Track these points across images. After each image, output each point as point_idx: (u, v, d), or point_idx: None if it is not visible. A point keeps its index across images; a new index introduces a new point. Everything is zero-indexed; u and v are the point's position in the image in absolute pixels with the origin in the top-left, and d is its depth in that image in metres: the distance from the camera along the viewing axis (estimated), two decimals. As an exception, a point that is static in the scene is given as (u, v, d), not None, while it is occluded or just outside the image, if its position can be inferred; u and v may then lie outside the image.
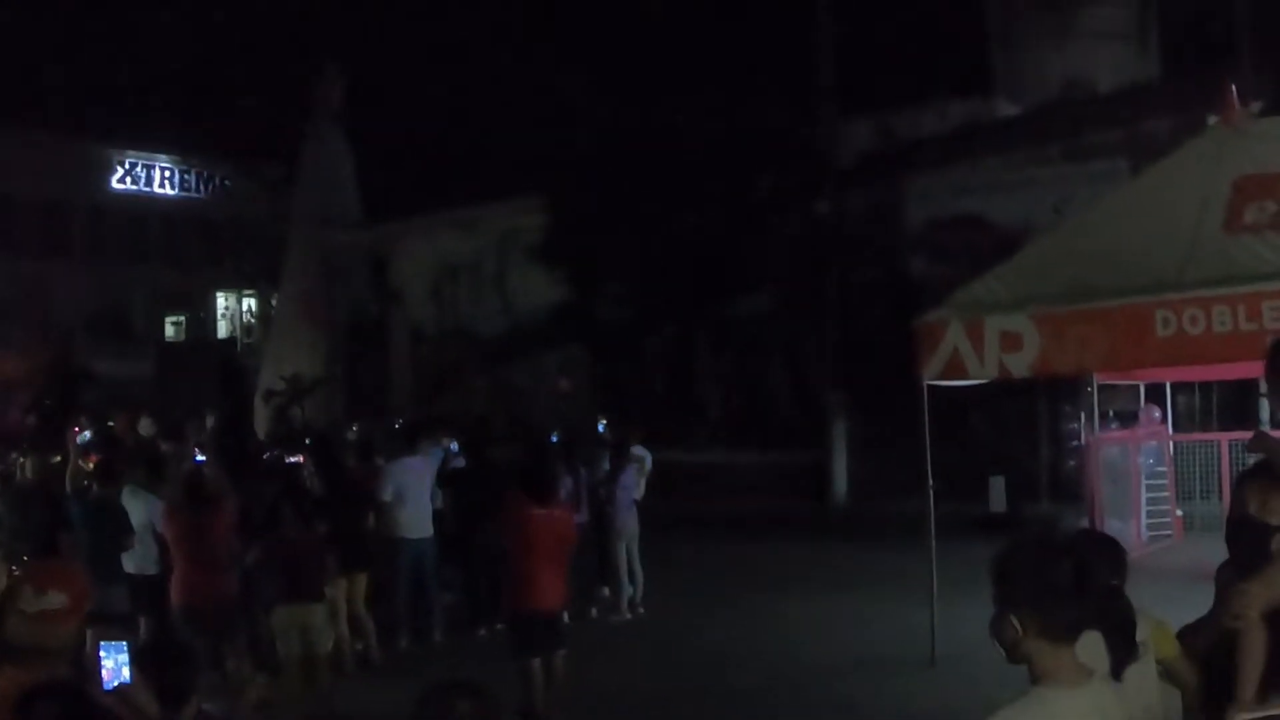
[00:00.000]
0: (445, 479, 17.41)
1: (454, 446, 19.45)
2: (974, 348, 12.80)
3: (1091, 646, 5.08)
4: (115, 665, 5.16)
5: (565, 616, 12.62)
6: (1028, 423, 27.71)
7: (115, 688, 5.13)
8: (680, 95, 35.70)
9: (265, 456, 20.47)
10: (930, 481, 14.26)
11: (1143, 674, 5.39)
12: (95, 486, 14.74)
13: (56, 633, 4.99)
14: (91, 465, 15.44)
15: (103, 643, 5.19)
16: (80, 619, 5.10)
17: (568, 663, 11.69)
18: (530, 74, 43.31)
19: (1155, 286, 11.36)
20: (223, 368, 48.59)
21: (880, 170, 35.22)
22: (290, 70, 52.87)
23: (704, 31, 37.00)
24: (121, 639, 5.31)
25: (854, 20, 34.56)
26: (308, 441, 21.36)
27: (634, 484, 18.73)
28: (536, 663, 11.40)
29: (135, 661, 5.25)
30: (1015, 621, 4.15)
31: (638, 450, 19.89)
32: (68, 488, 14.95)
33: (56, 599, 4.97)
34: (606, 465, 18.79)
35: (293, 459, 19.21)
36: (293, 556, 12.23)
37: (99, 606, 5.34)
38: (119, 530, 13.98)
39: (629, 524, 18.22)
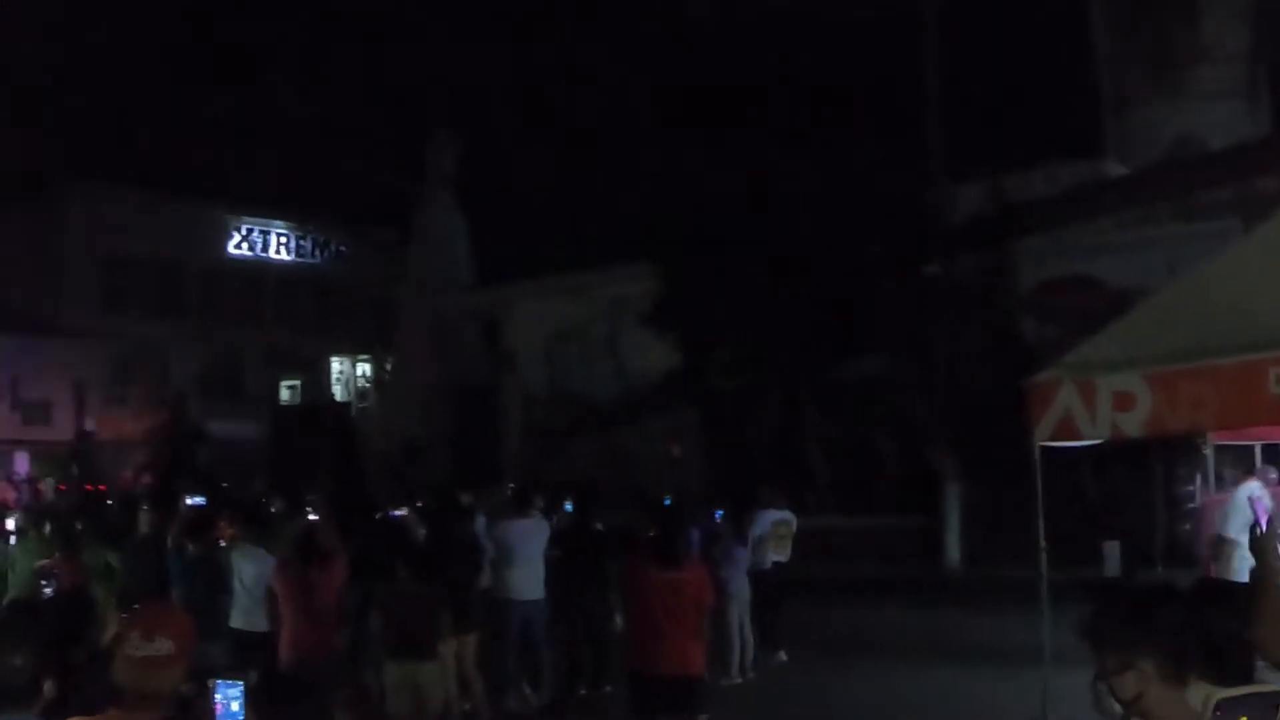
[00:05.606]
0: (553, 540, 17.41)
1: (568, 507, 19.58)
2: (1086, 408, 12.62)
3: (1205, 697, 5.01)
4: (227, 701, 5.26)
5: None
6: (1143, 486, 27.39)
7: None
8: (790, 159, 35.74)
9: (378, 516, 20.62)
10: (1043, 546, 14.11)
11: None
12: (190, 544, 15.02)
13: (161, 678, 5.05)
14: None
15: (218, 681, 5.28)
16: (184, 666, 5.17)
17: None
18: (639, 140, 43.51)
19: (1268, 343, 11.19)
20: (337, 431, 49.05)
21: (991, 232, 35.06)
22: (403, 137, 53.55)
23: (813, 95, 37.01)
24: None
25: (964, 83, 34.54)
26: (419, 504, 21.54)
27: (748, 547, 18.79)
28: None
29: (248, 700, 5.34)
30: (1141, 669, 4.07)
31: (781, 514, 20.07)
32: (169, 544, 15.26)
33: (163, 645, 5.04)
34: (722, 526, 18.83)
35: (398, 513, 19.38)
36: (405, 613, 12.27)
37: (199, 661, 5.38)
38: (215, 586, 14.20)
39: (741, 587, 18.20)
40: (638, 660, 11.56)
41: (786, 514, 20.31)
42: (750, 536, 19.51)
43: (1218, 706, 3.85)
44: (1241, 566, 15.16)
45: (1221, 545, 15.45)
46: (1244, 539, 15.00)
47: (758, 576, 19.39)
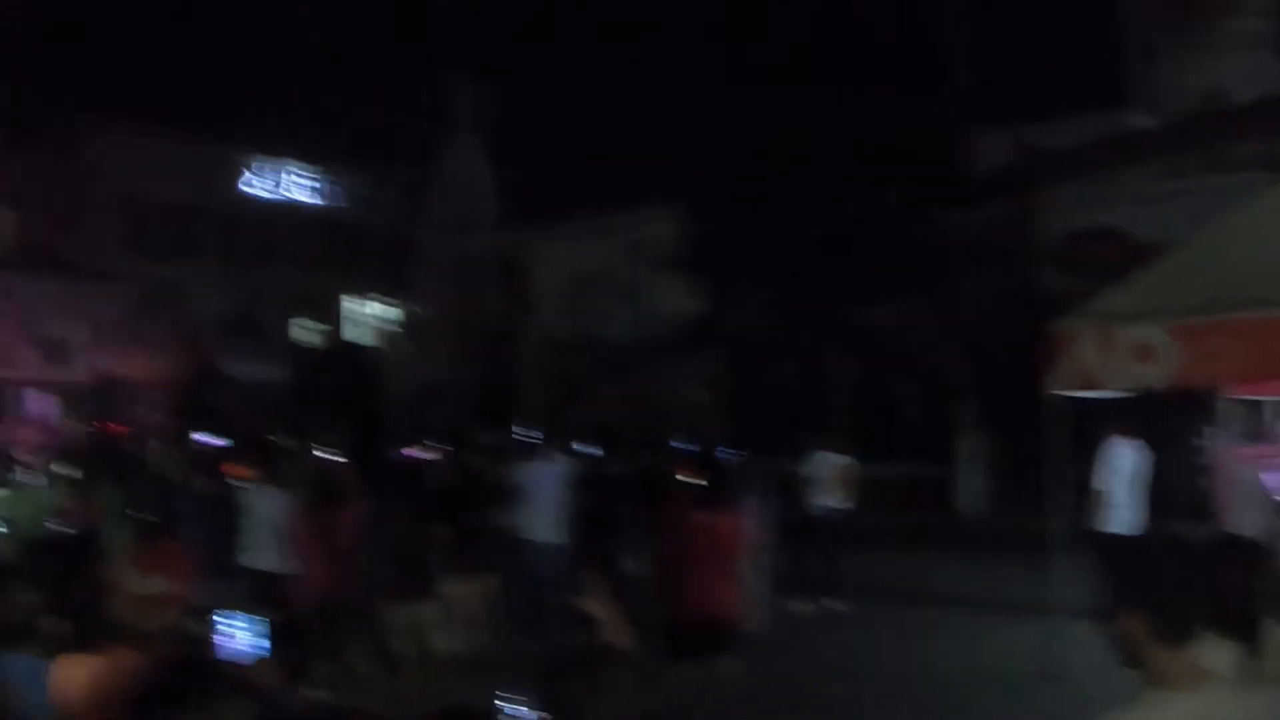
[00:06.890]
0: (572, 484, 17.38)
1: (586, 450, 19.58)
2: (1106, 359, 12.56)
3: (1218, 650, 4.99)
4: (230, 635, 5.24)
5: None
6: (1161, 439, 27.25)
7: (247, 658, 5.20)
8: (818, 107, 35.59)
9: (393, 457, 20.64)
10: (1057, 496, 14.07)
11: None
12: (203, 483, 15.06)
13: (158, 614, 5.03)
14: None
15: (220, 613, 5.26)
16: (183, 603, 5.15)
17: (733, 669, 11.28)
18: (667, 83, 43.32)
19: (1292, 299, 11.10)
20: (356, 373, 49.05)
21: (1016, 182, 34.87)
22: (428, 77, 53.31)
23: (843, 43, 36.86)
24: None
25: (991, 33, 34.35)
26: (437, 446, 21.53)
27: (763, 493, 18.76)
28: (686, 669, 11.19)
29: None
30: (1133, 623, 4.04)
31: (841, 458, 20.24)
32: (181, 483, 15.30)
33: (160, 583, 5.03)
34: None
35: (420, 454, 19.36)
36: (406, 554, 12.25)
37: (211, 600, 5.35)
38: (228, 525, 14.21)
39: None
40: (668, 604, 11.49)
41: (848, 458, 20.28)
42: (804, 478, 19.92)
43: None
44: (1114, 518, 15.32)
45: (1095, 497, 15.64)
46: (1117, 491, 15.30)
47: (808, 522, 19.49)
